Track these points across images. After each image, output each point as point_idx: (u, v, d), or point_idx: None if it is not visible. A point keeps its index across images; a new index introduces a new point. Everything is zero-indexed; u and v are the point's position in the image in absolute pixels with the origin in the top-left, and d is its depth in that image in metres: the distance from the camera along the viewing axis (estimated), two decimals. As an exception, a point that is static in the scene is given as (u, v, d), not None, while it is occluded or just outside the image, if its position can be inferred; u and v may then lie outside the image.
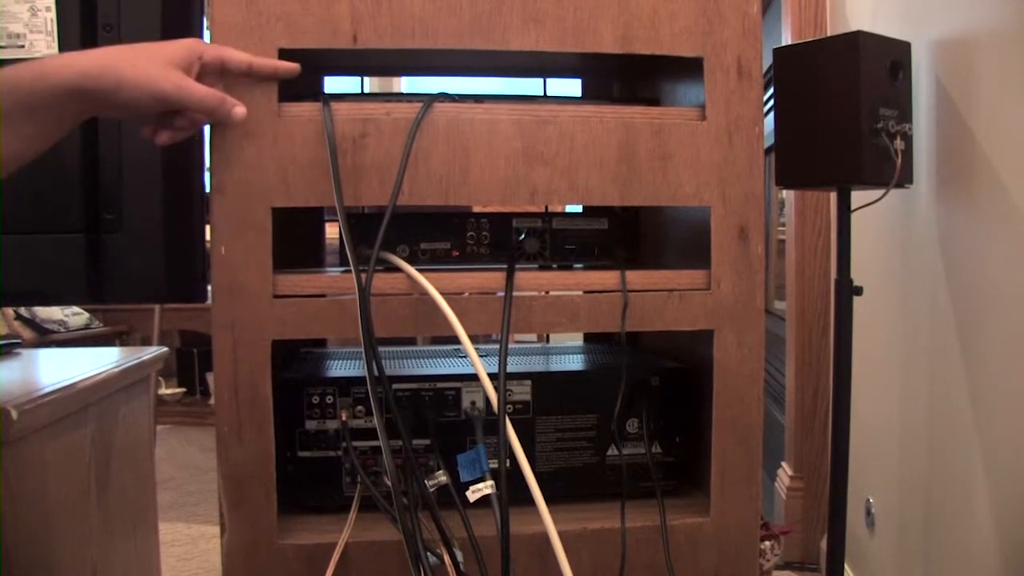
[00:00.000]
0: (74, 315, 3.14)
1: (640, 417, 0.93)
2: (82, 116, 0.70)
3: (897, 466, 1.39)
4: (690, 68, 0.88)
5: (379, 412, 0.74)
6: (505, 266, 0.84)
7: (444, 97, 0.83)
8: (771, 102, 1.20)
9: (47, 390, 0.83)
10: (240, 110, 0.75)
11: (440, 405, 0.89)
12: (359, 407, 0.87)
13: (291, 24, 0.79)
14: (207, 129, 0.79)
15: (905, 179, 1.12)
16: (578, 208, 0.97)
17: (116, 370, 1.01)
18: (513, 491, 0.76)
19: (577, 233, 0.93)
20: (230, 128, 0.78)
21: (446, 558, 0.76)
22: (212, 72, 0.74)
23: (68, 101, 0.67)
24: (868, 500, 1.53)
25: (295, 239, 1.01)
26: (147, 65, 0.68)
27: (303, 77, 0.79)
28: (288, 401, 0.86)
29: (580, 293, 0.86)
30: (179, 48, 0.71)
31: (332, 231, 1.20)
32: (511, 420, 0.77)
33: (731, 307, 0.86)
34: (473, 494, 0.77)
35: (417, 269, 0.81)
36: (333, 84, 1.17)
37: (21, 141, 0.66)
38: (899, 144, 1.09)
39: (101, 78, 0.66)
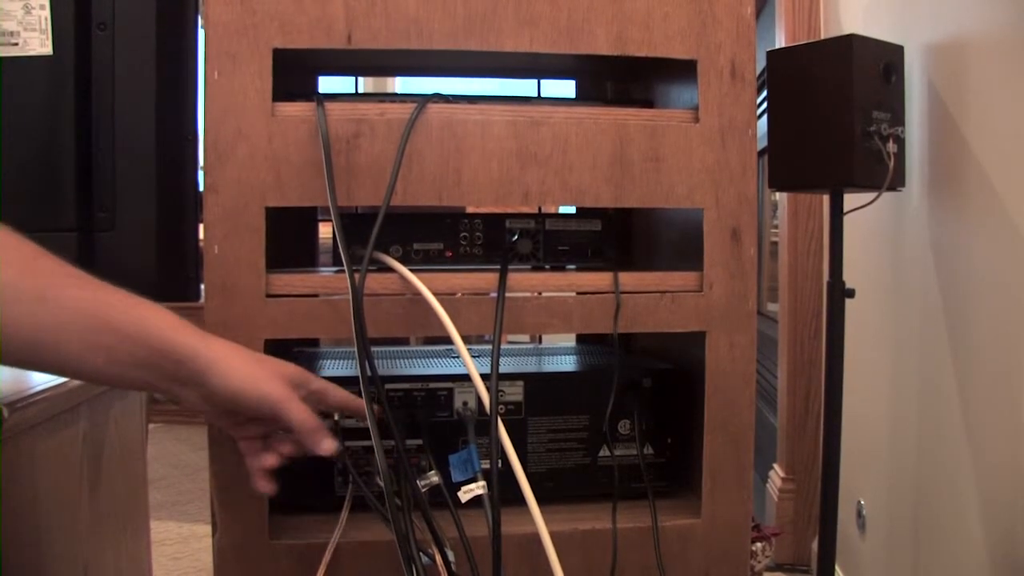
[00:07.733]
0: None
1: (632, 418, 0.93)
2: (159, 385, 0.65)
3: (888, 468, 1.40)
4: (684, 70, 0.88)
5: (371, 412, 0.74)
6: (498, 267, 0.84)
7: (438, 98, 0.83)
8: (764, 104, 1.20)
9: (38, 388, 0.82)
10: (330, 444, 0.70)
11: (432, 405, 0.89)
12: (351, 407, 0.87)
13: (285, 24, 0.79)
14: (200, 128, 0.78)
15: (897, 182, 1.12)
16: (571, 209, 0.98)
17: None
18: (505, 491, 0.76)
19: (570, 234, 0.93)
20: (224, 127, 0.78)
21: (438, 558, 0.76)
22: (311, 403, 0.73)
23: (159, 361, 0.63)
24: (859, 502, 1.54)
25: (288, 239, 1.01)
26: (256, 367, 0.67)
27: (297, 76, 0.79)
28: (280, 400, 0.86)
29: (573, 294, 0.86)
30: (292, 367, 0.71)
31: (325, 231, 1.20)
32: (503, 420, 0.78)
33: (723, 309, 0.87)
34: (465, 494, 0.77)
35: (410, 269, 0.82)
36: (327, 84, 1.17)
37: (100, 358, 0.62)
38: (892, 147, 1.09)
39: (212, 362, 0.64)
